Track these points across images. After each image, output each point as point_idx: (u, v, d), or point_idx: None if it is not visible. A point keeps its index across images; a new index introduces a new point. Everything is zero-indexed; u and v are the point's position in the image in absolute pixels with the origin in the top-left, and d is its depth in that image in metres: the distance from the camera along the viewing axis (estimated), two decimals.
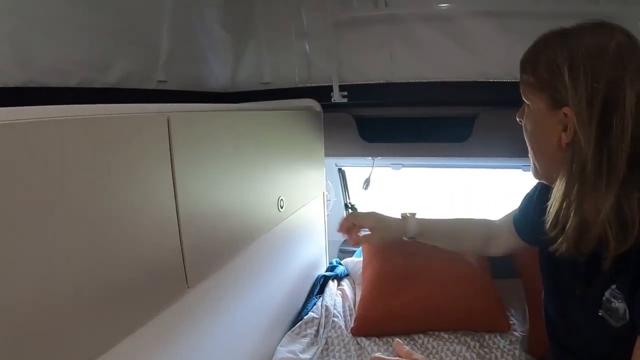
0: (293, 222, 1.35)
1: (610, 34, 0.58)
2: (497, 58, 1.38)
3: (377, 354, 0.73)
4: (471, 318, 1.28)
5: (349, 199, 2.06)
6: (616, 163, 0.55)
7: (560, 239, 0.63)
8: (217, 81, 1.68)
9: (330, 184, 1.87)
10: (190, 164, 0.75)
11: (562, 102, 0.59)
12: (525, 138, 0.74)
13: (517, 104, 1.44)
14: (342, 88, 1.51)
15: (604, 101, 0.55)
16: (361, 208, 2.02)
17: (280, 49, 1.57)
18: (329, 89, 1.52)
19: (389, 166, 1.78)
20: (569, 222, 0.61)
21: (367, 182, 1.73)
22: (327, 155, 1.64)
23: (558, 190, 0.62)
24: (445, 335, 1.26)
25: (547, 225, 0.65)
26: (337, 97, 1.51)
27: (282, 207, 1.22)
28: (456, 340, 1.23)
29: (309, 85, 1.57)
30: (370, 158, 1.66)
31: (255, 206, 1.03)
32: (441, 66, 1.41)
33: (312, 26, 1.50)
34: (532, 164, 0.75)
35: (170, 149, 0.70)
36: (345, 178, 1.98)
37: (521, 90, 0.72)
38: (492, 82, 1.39)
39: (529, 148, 0.74)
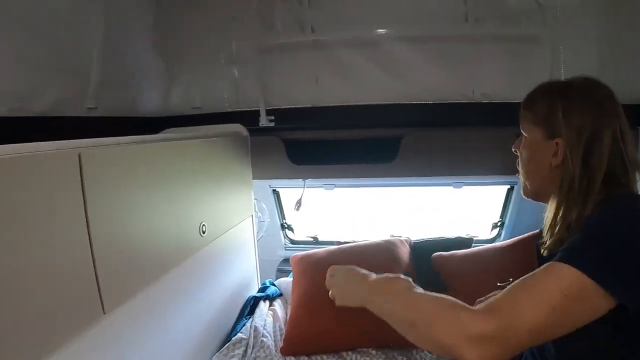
0: (219, 245, 1.30)
1: (595, 86, 0.76)
2: (420, 81, 1.37)
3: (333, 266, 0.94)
4: (398, 334, 1.15)
5: (284, 219, 1.99)
6: (595, 180, 0.71)
7: (552, 239, 0.75)
8: (148, 106, 1.64)
9: (264, 206, 1.79)
10: (103, 196, 0.78)
11: (555, 135, 0.74)
12: (520, 163, 0.87)
13: (441, 124, 1.43)
14: (269, 112, 1.47)
15: (589, 135, 0.71)
16: (298, 228, 1.98)
17: (210, 75, 1.55)
18: (257, 113, 1.47)
19: (321, 187, 1.75)
20: (558, 226, 0.74)
21: (298, 203, 1.65)
22: (255, 178, 1.57)
23: (552, 203, 0.77)
24: (373, 352, 1.25)
25: (545, 231, 0.78)
26: (264, 121, 1.47)
27: (204, 232, 1.17)
28: (384, 356, 1.23)
29: (238, 109, 1.53)
30: (301, 180, 1.59)
31: (173, 233, 1.04)
32: (366, 90, 1.39)
33: (240, 52, 1.50)
34: (522, 184, 0.89)
35: (82, 183, 0.73)
36: (280, 199, 1.93)
37: (520, 124, 0.85)
38: (416, 104, 1.36)
39: (523, 171, 0.87)
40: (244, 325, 1.36)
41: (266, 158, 1.54)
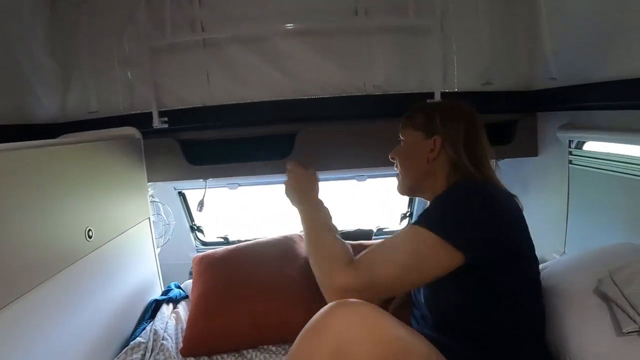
0: (111, 249, 1.24)
1: (462, 105, 1.00)
2: (312, 75, 1.34)
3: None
4: (298, 329, 1.12)
5: (193, 221, 1.94)
6: (459, 166, 0.92)
7: None
8: (45, 112, 1.55)
9: (169, 209, 1.73)
10: None
11: (433, 134, 0.95)
12: (398, 166, 1.04)
13: (335, 118, 1.41)
14: (162, 114, 1.42)
15: (461, 134, 0.94)
16: (209, 229, 1.95)
17: (104, 77, 1.49)
18: (152, 115, 1.41)
19: (225, 186, 1.72)
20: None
21: (200, 204, 1.60)
22: (152, 180, 1.51)
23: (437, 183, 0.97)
24: (274, 348, 1.24)
25: None
26: (157, 122, 1.41)
27: (90, 237, 1.12)
28: (284, 352, 1.22)
29: (132, 112, 1.47)
30: (202, 180, 1.55)
31: (55, 238, 0.99)
32: (257, 87, 1.36)
33: (132, 53, 1.44)
34: (400, 183, 1.05)
35: None
36: (186, 201, 1.88)
37: (401, 132, 1.04)
38: (309, 99, 1.33)
39: (402, 169, 1.03)
40: (143, 329, 1.29)
41: (163, 160, 1.48)
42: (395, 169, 1.06)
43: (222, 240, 1.93)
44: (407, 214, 1.91)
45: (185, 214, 1.90)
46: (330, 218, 1.00)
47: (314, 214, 0.99)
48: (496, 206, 0.81)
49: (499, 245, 0.78)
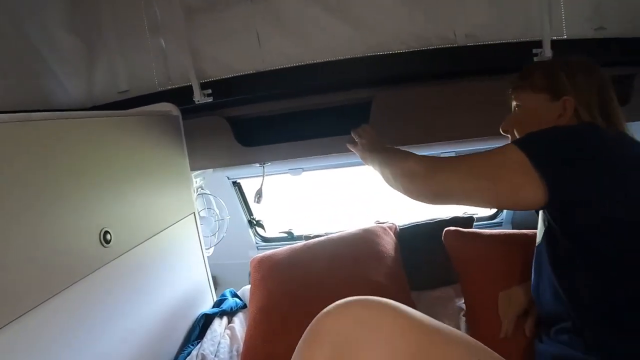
0: (141, 254, 0.99)
1: (588, 63, 0.83)
2: (386, 26, 1.08)
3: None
4: None
5: (252, 215, 1.69)
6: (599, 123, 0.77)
7: None
8: (69, 96, 1.35)
9: (222, 202, 1.49)
10: None
11: (561, 94, 0.79)
12: (517, 135, 0.85)
13: (419, 78, 1.13)
14: (205, 86, 1.18)
15: (595, 91, 0.79)
16: (270, 222, 1.71)
17: (134, 49, 1.26)
18: (191, 89, 1.18)
19: (287, 172, 1.47)
20: None
21: (258, 194, 1.35)
22: (195, 168, 1.26)
23: None
24: None
25: None
26: (198, 96, 1.17)
27: (108, 242, 0.86)
28: None
29: (169, 87, 1.24)
30: (258, 165, 1.29)
31: (63, 243, 0.75)
32: (320, 44, 1.11)
33: (164, 17, 1.21)
34: None
35: None
36: (242, 192, 1.65)
37: (515, 97, 0.88)
38: (384, 54, 1.07)
39: None
40: (188, 354, 1.06)
41: (209, 142, 1.24)
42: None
43: (286, 235, 1.69)
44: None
45: (242, 206, 1.67)
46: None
47: (394, 149, 0.89)
48: (620, 155, 0.67)
49: (601, 203, 0.63)
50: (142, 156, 1.05)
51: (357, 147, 1.01)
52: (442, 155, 0.77)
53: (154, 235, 1.05)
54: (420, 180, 0.74)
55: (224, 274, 1.64)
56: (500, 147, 0.70)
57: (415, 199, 0.78)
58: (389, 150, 0.89)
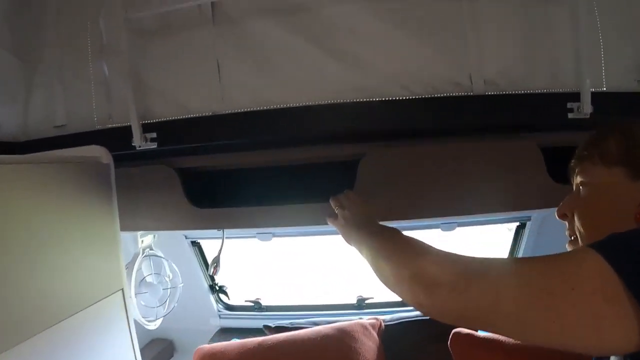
0: (51, 340, 0.73)
1: None
2: (384, 65, 0.84)
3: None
4: None
5: (214, 280, 1.43)
6: None
7: None
8: (3, 128, 1.09)
9: (175, 267, 1.23)
10: None
11: None
12: (582, 227, 0.64)
13: (420, 133, 0.77)
14: (149, 127, 0.93)
15: None
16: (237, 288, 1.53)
17: (75, 77, 1.02)
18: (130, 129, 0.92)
19: (254, 237, 1.26)
20: None
21: (215, 264, 1.07)
22: (130, 228, 0.99)
23: None
24: None
25: None
26: (138, 140, 0.91)
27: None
28: None
29: (110, 126, 0.98)
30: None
31: None
32: (297, 84, 0.86)
33: (112, 39, 0.97)
34: None
35: None
36: (203, 253, 1.41)
37: (580, 173, 0.67)
38: (379, 101, 0.83)
39: (592, 236, 0.61)
40: None
41: (153, 199, 0.97)
42: (567, 234, 0.68)
43: (253, 305, 1.43)
44: None
45: (203, 270, 1.41)
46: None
47: (394, 234, 0.68)
48: None
49: None
50: (58, 216, 0.78)
51: (338, 221, 0.79)
52: (468, 257, 0.54)
53: (65, 318, 0.77)
54: (444, 295, 0.51)
55: (182, 338, 1.41)
56: (573, 252, 0.49)
57: (426, 314, 0.55)
58: (386, 234, 0.69)
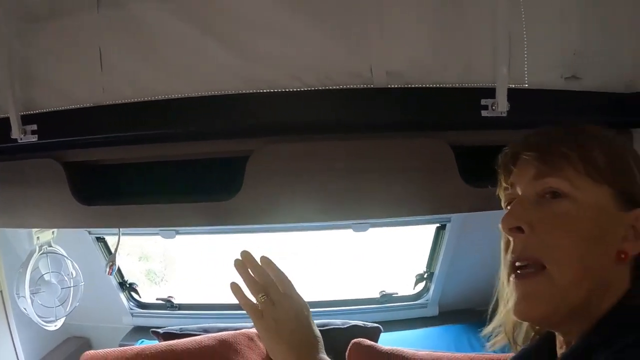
0: None
1: None
2: (278, 55, 0.77)
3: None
4: None
5: (123, 277, 1.37)
6: None
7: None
8: None
9: (76, 265, 1.17)
10: None
11: (634, 202, 0.48)
12: (557, 247, 0.48)
13: (315, 128, 0.66)
14: (30, 119, 0.85)
15: None
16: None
17: None
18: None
19: (156, 234, 1.22)
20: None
21: (111, 262, 0.99)
22: (8, 224, 0.95)
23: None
24: None
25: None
26: (17, 132, 0.84)
27: None
28: None
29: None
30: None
31: None
32: (184, 72, 0.78)
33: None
34: (542, 293, 0.48)
35: None
36: (109, 249, 1.35)
37: (551, 170, 0.49)
38: (272, 93, 0.75)
39: (566, 261, 0.47)
40: None
41: (38, 194, 0.90)
42: (512, 258, 0.50)
43: (165, 303, 1.38)
44: (425, 275, 1.34)
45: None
46: None
47: None
48: None
49: None
50: None
51: (262, 323, 0.58)
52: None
53: None
54: None
55: (98, 336, 1.40)
56: None
57: None
58: None
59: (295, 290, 0.60)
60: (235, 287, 0.61)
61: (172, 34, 0.78)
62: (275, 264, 0.62)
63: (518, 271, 0.49)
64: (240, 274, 0.62)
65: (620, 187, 0.48)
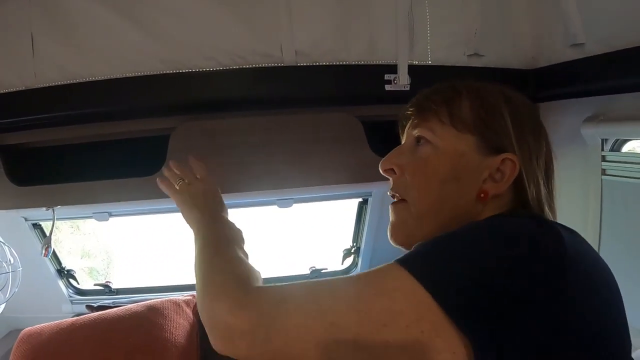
0: None
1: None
2: (192, 37, 0.83)
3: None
4: None
5: (61, 264, 1.36)
6: (542, 203, 0.55)
7: None
8: None
9: (14, 251, 1.14)
10: None
11: (501, 149, 0.54)
12: (412, 186, 0.57)
13: (232, 106, 0.75)
14: None
15: (543, 152, 0.57)
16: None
17: None
18: None
19: (90, 216, 1.21)
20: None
21: (46, 244, 1.03)
22: None
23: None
24: None
25: None
26: None
27: None
28: None
29: None
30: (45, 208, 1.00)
31: None
32: (103, 56, 0.84)
33: None
34: (402, 223, 0.58)
35: None
36: (45, 236, 1.33)
37: (419, 121, 0.58)
38: (188, 73, 0.82)
39: (419, 197, 0.56)
40: None
41: None
42: (390, 193, 0.60)
43: (103, 288, 1.38)
44: (352, 250, 1.39)
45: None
46: (241, 240, 0.67)
47: (221, 230, 0.65)
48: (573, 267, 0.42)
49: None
50: None
51: (172, 190, 0.74)
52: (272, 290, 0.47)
53: None
54: (244, 344, 0.43)
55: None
56: (383, 277, 0.43)
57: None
58: (211, 234, 0.63)
59: (207, 176, 0.75)
60: (159, 179, 0.77)
61: (95, 20, 0.84)
62: (196, 160, 0.78)
63: (393, 201, 0.60)
64: (165, 173, 0.78)
65: (486, 136, 0.54)
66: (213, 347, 0.45)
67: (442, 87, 0.60)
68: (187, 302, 0.95)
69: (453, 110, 0.55)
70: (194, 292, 1.07)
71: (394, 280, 0.41)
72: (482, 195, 0.53)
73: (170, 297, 0.97)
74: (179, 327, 0.86)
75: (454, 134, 0.55)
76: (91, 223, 1.46)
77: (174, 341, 0.82)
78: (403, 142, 0.62)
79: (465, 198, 0.54)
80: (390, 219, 0.59)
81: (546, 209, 0.54)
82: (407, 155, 0.58)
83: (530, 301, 0.38)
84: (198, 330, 0.90)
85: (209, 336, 0.46)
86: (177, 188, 0.73)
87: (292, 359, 0.42)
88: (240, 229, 0.70)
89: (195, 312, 0.94)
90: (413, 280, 0.40)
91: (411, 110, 0.60)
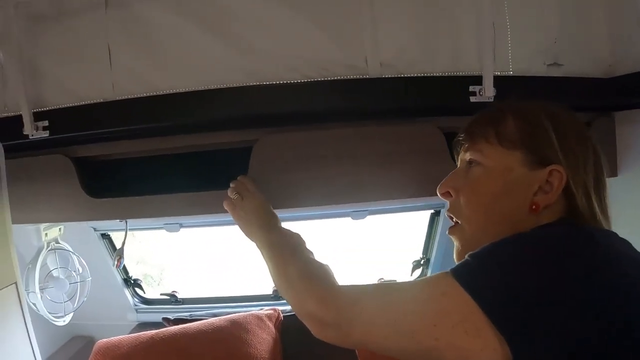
0: None
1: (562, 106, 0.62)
2: (277, 49, 0.81)
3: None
4: None
5: (127, 273, 1.38)
6: (595, 213, 0.57)
7: None
8: None
9: (82, 260, 1.19)
10: None
11: (548, 161, 0.56)
12: (467, 206, 0.62)
13: (316, 118, 0.73)
14: (41, 116, 0.89)
15: (591, 163, 0.58)
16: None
17: None
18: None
19: (161, 227, 1.24)
20: None
21: (119, 256, 1.03)
22: (21, 221, 0.93)
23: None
24: None
25: None
26: (30, 129, 0.88)
27: None
28: None
29: (3, 115, 0.94)
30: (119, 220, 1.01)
31: None
32: (188, 68, 0.83)
33: (4, 23, 0.92)
34: (466, 241, 0.62)
35: None
36: (114, 245, 1.36)
37: (470, 144, 0.63)
38: (272, 85, 0.80)
39: (475, 217, 0.61)
40: None
41: (49, 189, 0.93)
42: (447, 214, 0.66)
43: (169, 297, 1.38)
44: (422, 261, 1.38)
45: (115, 263, 1.34)
46: (303, 242, 0.72)
47: (281, 238, 0.72)
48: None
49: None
50: None
51: (234, 210, 0.79)
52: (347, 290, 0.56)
53: None
54: (333, 335, 0.54)
55: (102, 335, 1.41)
56: (433, 283, 0.50)
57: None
58: (274, 244, 0.69)
59: (257, 190, 0.79)
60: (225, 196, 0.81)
61: (174, 32, 0.83)
62: (247, 178, 0.82)
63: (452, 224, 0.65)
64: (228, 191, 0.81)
65: (532, 150, 0.57)
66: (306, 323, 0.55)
67: (487, 111, 0.65)
68: (269, 317, 0.93)
69: (499, 129, 0.59)
70: (275, 306, 1.06)
71: (443, 287, 0.48)
72: (534, 207, 0.56)
73: (252, 312, 0.95)
74: (262, 342, 0.84)
75: (502, 152, 0.58)
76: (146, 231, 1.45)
77: (258, 356, 0.80)
78: (458, 166, 0.67)
79: (519, 211, 0.56)
80: (454, 244, 0.63)
81: (599, 216, 0.56)
82: (461, 178, 0.62)
83: (565, 305, 0.41)
84: (281, 344, 0.88)
85: (304, 319, 0.56)
86: (234, 202, 0.78)
87: (371, 345, 0.51)
88: (298, 232, 0.75)
89: (277, 327, 0.92)
90: (458, 286, 0.46)
91: (462, 137, 0.64)
